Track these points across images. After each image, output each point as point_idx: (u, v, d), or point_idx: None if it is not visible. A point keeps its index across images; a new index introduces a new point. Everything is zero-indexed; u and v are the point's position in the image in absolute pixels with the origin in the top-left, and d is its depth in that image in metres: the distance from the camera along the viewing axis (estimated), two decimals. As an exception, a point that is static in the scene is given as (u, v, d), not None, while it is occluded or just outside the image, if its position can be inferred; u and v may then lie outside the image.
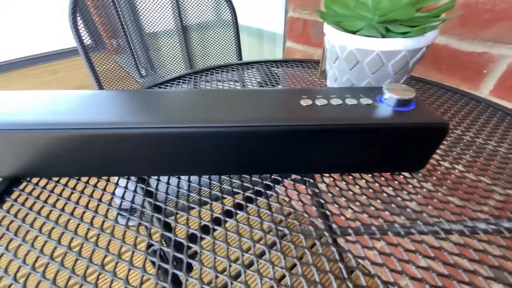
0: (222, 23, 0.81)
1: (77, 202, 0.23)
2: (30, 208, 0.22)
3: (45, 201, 0.22)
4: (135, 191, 0.24)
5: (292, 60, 0.48)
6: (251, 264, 0.18)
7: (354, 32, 0.25)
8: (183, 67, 1.16)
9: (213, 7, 0.83)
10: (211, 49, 0.91)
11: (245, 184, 0.23)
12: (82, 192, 0.23)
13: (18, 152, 0.21)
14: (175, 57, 1.01)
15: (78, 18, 0.65)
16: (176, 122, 0.19)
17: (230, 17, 0.77)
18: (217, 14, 0.82)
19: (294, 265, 0.18)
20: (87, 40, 0.78)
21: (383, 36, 0.24)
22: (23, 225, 0.21)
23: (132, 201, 0.22)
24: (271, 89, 0.24)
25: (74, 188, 0.24)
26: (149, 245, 0.21)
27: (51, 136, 0.19)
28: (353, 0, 0.24)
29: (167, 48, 0.98)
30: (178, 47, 1.16)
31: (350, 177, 0.24)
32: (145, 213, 0.22)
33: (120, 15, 1.91)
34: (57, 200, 0.23)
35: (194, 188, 0.24)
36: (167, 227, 0.21)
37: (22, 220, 0.21)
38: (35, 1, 2.33)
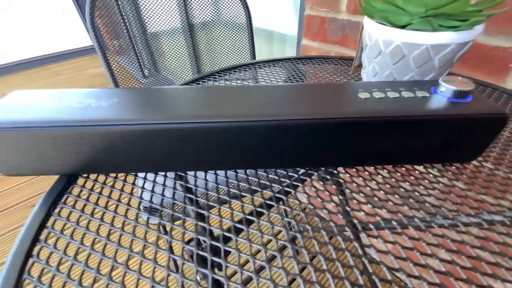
0: (234, 22, 0.81)
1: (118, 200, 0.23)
2: (96, 203, 0.22)
3: (101, 193, 0.23)
4: (174, 187, 0.24)
5: (317, 57, 0.48)
6: (282, 249, 0.18)
7: (400, 27, 0.26)
8: (189, 67, 1.15)
9: (224, 5, 0.84)
10: (222, 48, 0.91)
11: (282, 178, 0.24)
12: (121, 190, 0.24)
13: (75, 149, 0.21)
14: (181, 57, 1.00)
15: (96, 18, 0.65)
16: (244, 116, 0.19)
17: (244, 16, 0.77)
18: (230, 13, 0.82)
19: (314, 258, 0.18)
20: (97, 41, 0.77)
21: (433, 30, 0.24)
22: (93, 219, 0.21)
23: (173, 197, 0.23)
24: (324, 83, 0.24)
25: (124, 180, 0.24)
26: (190, 240, 0.21)
27: (105, 132, 0.19)
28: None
29: (172, 48, 0.97)
30: (184, 46, 1.14)
31: (385, 170, 0.24)
32: (181, 207, 0.22)
33: (123, 15, 1.91)
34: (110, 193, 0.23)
35: (232, 183, 0.24)
36: (202, 219, 0.21)
37: (91, 215, 0.21)
38: (36, 2, 2.31)
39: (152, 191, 0.23)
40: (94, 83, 2.25)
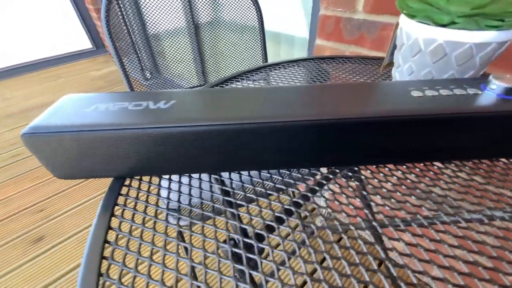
0: (246, 24, 0.81)
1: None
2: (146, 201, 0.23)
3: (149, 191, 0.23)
4: (211, 189, 0.24)
5: (339, 57, 0.49)
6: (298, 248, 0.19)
7: (441, 26, 0.26)
8: (193, 69, 1.13)
9: (234, 6, 0.83)
10: (231, 51, 0.90)
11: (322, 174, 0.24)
12: (169, 188, 0.24)
13: (132, 151, 0.21)
14: (185, 59, 0.98)
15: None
16: (310, 115, 0.20)
17: (256, 17, 0.77)
18: (240, 14, 0.83)
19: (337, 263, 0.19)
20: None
21: (478, 29, 0.25)
22: (158, 220, 0.21)
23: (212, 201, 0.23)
24: (371, 83, 0.25)
25: (157, 182, 0.24)
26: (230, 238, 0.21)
27: (162, 133, 0.20)
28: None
29: (177, 50, 0.96)
30: (189, 48, 1.12)
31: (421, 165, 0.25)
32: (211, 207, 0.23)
33: (124, 16, 1.90)
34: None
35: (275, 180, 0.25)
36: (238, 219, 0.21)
37: (154, 215, 0.22)
38: (35, 5, 2.29)
39: (190, 191, 0.24)
40: (96, 86, 2.24)
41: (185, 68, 0.95)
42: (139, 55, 2.03)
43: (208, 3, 0.83)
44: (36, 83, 2.31)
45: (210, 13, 0.84)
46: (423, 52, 0.28)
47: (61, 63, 2.58)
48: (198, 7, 0.86)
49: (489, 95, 0.22)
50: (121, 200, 0.23)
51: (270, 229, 0.20)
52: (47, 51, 2.48)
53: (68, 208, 1.12)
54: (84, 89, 2.18)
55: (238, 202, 0.23)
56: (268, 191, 0.23)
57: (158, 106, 0.22)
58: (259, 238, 0.19)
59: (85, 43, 2.66)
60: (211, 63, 1.01)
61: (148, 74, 2.15)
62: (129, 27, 1.98)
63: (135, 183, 0.24)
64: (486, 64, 0.28)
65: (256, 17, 0.77)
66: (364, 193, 0.23)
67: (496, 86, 0.22)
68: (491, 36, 0.25)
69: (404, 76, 0.32)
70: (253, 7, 0.76)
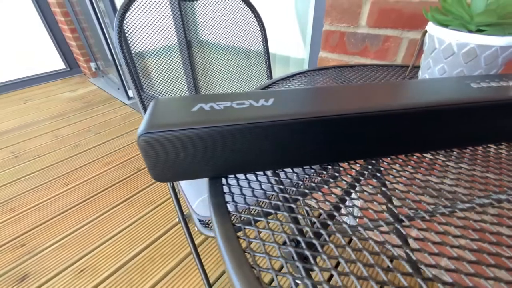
0: (250, 45, 0.81)
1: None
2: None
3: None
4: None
5: (358, 65, 0.54)
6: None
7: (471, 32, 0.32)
8: (185, 86, 1.06)
9: (239, 28, 0.84)
10: (235, 70, 0.87)
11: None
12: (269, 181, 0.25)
13: (243, 146, 0.22)
14: (176, 77, 0.84)
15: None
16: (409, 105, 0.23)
17: (259, 32, 0.81)
18: (246, 35, 0.85)
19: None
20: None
21: (503, 35, 0.30)
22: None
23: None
24: (434, 78, 0.29)
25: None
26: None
27: (280, 125, 0.21)
28: (472, 11, 0.30)
29: (166, 67, 0.82)
30: (181, 66, 1.05)
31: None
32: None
33: (106, 34, 1.86)
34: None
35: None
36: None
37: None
38: (2, 27, 2.15)
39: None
40: (72, 107, 2.11)
41: (176, 86, 0.84)
42: (121, 74, 1.98)
43: (211, 22, 0.83)
44: (6, 106, 2.12)
45: (213, 32, 0.83)
46: (456, 54, 0.33)
47: (30, 84, 2.41)
48: (192, 26, 0.81)
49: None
50: (228, 198, 0.23)
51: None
52: (15, 72, 2.31)
53: (52, 241, 1.01)
54: (58, 111, 2.05)
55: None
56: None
57: (261, 104, 0.23)
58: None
59: (58, 64, 2.53)
60: (203, 81, 0.93)
61: (131, 93, 2.09)
62: (110, 46, 1.94)
63: (231, 181, 0.25)
64: (504, 64, 0.34)
65: (261, 38, 0.80)
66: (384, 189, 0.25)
67: (532, 77, 0.27)
68: (510, 40, 0.30)
69: (435, 76, 0.37)
70: (259, 28, 0.80)
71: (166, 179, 0.22)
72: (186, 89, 0.88)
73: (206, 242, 0.99)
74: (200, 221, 0.52)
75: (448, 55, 0.34)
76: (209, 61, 0.87)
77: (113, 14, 1.74)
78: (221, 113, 0.21)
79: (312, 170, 0.27)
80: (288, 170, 0.26)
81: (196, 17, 0.74)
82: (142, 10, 0.65)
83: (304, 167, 0.26)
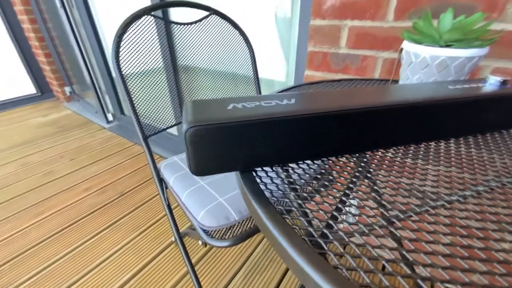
0: (240, 69, 0.85)
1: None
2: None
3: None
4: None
5: (343, 79, 0.60)
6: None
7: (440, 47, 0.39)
8: (170, 108, 1.00)
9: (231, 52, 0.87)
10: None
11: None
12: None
13: (274, 138, 0.25)
14: (162, 99, 0.79)
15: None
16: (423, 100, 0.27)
17: (249, 55, 0.87)
18: (236, 61, 0.90)
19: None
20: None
21: (468, 48, 0.37)
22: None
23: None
24: (418, 83, 0.34)
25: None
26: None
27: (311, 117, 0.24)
28: (440, 30, 0.38)
29: (153, 90, 0.76)
30: (166, 88, 0.99)
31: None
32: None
33: (85, 58, 1.84)
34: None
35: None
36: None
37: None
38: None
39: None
40: (43, 132, 1.99)
41: (160, 109, 0.79)
42: (100, 97, 1.94)
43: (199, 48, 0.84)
44: (-38, 135, 1.93)
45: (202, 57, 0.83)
46: (430, 65, 0.40)
47: (-4, 110, 2.25)
48: (180, 51, 0.80)
49: (490, 86, 0.33)
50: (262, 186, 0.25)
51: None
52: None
53: (24, 278, 0.91)
54: (26, 137, 1.92)
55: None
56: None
57: (286, 102, 0.26)
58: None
59: (28, 89, 2.41)
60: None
61: (110, 117, 2.04)
62: (89, 69, 1.92)
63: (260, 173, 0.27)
64: (470, 72, 0.41)
65: (250, 61, 0.85)
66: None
67: (494, 80, 0.33)
68: (475, 52, 0.37)
69: (414, 85, 0.44)
70: (248, 52, 0.85)
71: (205, 171, 0.24)
72: (173, 116, 0.82)
73: (201, 261, 0.95)
74: (205, 232, 0.51)
75: (424, 67, 0.41)
76: (196, 85, 0.88)
77: (94, 39, 1.74)
78: (255, 110, 0.24)
79: (312, 170, 0.30)
80: (297, 169, 0.29)
81: (185, 40, 0.78)
82: (134, 34, 0.67)
83: (323, 158, 0.29)
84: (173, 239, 1.03)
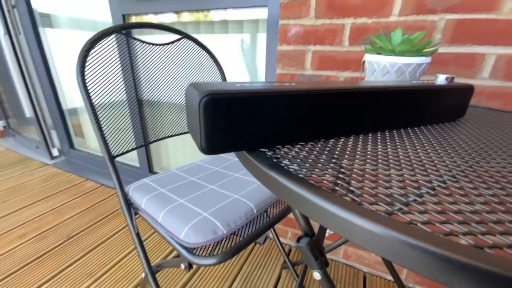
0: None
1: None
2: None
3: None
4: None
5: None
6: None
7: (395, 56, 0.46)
8: (130, 136, 0.92)
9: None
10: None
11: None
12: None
13: (283, 114, 0.25)
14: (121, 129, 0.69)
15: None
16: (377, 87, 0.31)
17: (220, 77, 0.91)
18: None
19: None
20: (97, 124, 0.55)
21: (417, 56, 0.46)
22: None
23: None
24: (386, 80, 0.40)
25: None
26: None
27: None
28: (393, 44, 0.46)
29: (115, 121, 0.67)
30: (128, 118, 0.85)
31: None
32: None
33: (30, 89, 1.67)
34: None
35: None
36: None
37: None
38: None
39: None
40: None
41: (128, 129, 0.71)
42: (45, 131, 1.75)
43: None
44: None
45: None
46: (390, 72, 0.47)
47: None
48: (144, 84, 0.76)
49: (440, 81, 0.40)
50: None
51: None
52: None
53: None
54: None
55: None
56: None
57: (288, 84, 0.28)
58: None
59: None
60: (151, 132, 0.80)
61: (55, 152, 1.82)
62: (34, 100, 1.76)
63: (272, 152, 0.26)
64: (421, 75, 0.49)
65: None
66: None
67: (441, 78, 0.40)
68: (423, 60, 0.46)
69: (378, 90, 0.50)
70: (219, 75, 0.89)
71: (215, 149, 0.23)
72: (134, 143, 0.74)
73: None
74: (190, 251, 0.46)
75: (385, 73, 0.48)
76: (160, 112, 0.82)
77: (44, 70, 1.61)
78: (267, 87, 0.25)
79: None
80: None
81: (153, 61, 0.78)
82: (101, 52, 0.65)
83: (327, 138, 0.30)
84: (143, 275, 0.88)
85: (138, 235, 0.63)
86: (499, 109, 0.54)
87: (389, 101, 0.32)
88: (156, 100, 0.80)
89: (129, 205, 0.63)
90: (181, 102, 0.85)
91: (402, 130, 0.36)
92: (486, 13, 0.58)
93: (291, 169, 0.22)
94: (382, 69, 0.48)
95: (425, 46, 0.46)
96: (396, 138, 0.32)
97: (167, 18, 1.15)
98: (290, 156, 0.25)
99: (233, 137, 0.23)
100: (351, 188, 0.20)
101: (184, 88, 0.84)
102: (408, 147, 0.29)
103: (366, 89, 0.29)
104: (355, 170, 0.23)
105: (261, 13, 0.96)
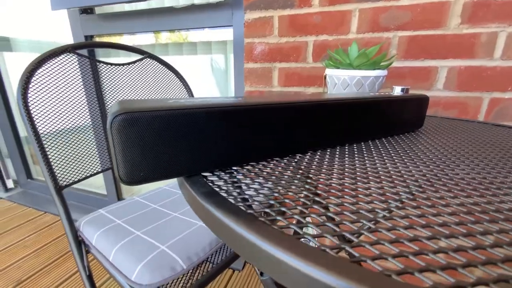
0: None
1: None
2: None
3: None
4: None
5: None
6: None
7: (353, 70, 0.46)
8: (96, 160, 0.89)
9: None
10: None
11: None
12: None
13: (215, 134, 0.22)
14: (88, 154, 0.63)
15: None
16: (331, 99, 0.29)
17: (186, 94, 0.88)
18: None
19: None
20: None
21: (374, 69, 0.46)
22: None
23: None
24: (349, 96, 0.39)
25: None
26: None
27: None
28: (351, 58, 0.46)
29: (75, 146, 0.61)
30: (93, 142, 0.79)
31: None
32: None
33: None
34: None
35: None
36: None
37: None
38: None
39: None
40: None
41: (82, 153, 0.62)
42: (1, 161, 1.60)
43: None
44: None
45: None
46: (350, 84, 0.47)
47: None
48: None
49: (396, 92, 0.40)
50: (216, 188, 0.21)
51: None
52: None
53: None
54: None
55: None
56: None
57: (233, 99, 0.25)
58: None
59: None
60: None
61: (10, 184, 1.65)
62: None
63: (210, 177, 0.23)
64: (380, 88, 0.49)
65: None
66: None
67: (397, 89, 0.40)
68: (380, 73, 0.46)
69: (341, 103, 0.50)
70: (186, 94, 0.87)
71: (138, 178, 0.19)
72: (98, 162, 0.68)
73: None
74: (144, 294, 0.39)
75: (346, 86, 0.48)
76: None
77: (-3, 92, 1.49)
78: (201, 102, 0.22)
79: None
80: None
81: (114, 83, 0.74)
82: (49, 72, 0.60)
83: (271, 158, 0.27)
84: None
85: (90, 277, 0.55)
86: (455, 118, 0.55)
87: (346, 113, 0.30)
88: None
89: (79, 242, 0.55)
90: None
91: (357, 144, 0.34)
92: (434, 29, 0.62)
93: (230, 198, 0.19)
94: (342, 82, 0.48)
95: (380, 59, 0.46)
96: (347, 153, 0.30)
97: (135, 40, 1.12)
98: (231, 181, 0.22)
99: (158, 162, 0.19)
100: (296, 217, 0.16)
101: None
102: (366, 160, 0.27)
103: (312, 102, 0.27)
104: (318, 185, 0.20)
105: (229, 34, 0.96)
